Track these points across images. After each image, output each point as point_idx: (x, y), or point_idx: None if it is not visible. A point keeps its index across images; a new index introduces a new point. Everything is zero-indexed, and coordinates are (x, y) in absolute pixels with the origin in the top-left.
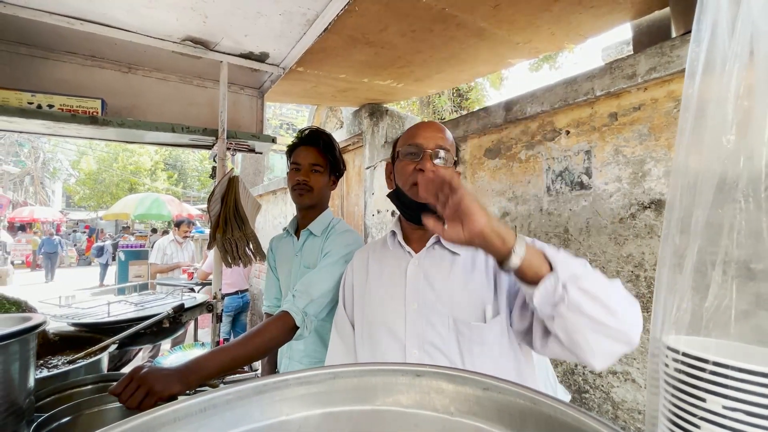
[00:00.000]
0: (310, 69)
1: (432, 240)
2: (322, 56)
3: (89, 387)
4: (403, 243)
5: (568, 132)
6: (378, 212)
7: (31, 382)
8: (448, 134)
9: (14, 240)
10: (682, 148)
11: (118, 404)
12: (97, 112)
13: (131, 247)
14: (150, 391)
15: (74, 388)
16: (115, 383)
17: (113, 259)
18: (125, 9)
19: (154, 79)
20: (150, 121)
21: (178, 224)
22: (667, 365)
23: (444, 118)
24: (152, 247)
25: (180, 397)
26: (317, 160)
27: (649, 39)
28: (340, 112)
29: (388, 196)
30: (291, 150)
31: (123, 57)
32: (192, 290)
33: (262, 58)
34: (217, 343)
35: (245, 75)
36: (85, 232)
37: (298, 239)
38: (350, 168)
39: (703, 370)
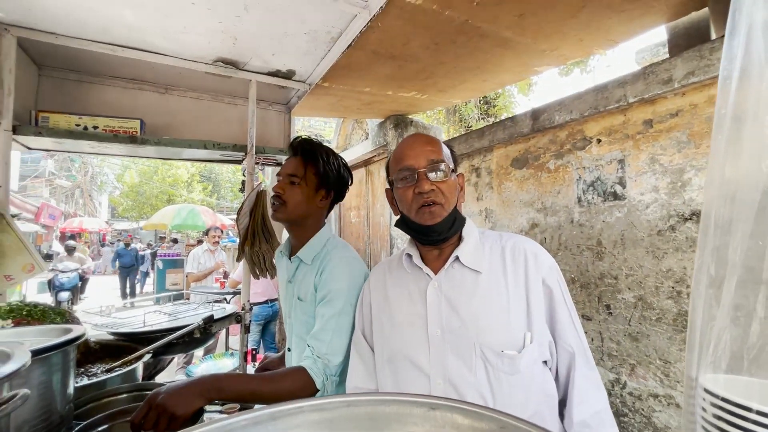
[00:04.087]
0: (335, 84)
1: (451, 258)
2: (346, 71)
3: (124, 396)
4: (420, 264)
5: (599, 140)
6: None
7: (71, 391)
8: (438, 143)
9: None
10: (717, 160)
11: None
12: (137, 132)
13: (168, 256)
14: (173, 416)
15: (110, 397)
16: (136, 410)
17: (152, 267)
18: (162, 35)
19: (188, 98)
20: (184, 138)
21: (207, 232)
22: (704, 409)
23: (471, 126)
24: (187, 256)
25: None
26: (295, 170)
27: (687, 42)
28: (365, 124)
29: (396, 225)
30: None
31: (160, 79)
32: (224, 299)
33: (288, 75)
34: (245, 353)
35: (273, 92)
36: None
37: (291, 262)
38: (376, 179)
39: (745, 419)
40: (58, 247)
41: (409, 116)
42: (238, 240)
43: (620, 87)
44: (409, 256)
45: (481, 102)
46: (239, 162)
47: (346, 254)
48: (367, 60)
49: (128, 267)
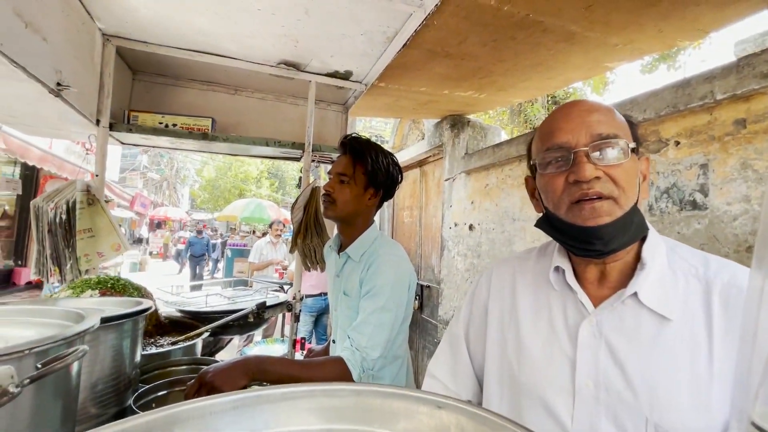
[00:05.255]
0: (391, 84)
1: (626, 292)
2: (402, 71)
3: (184, 367)
4: (575, 286)
5: (677, 142)
6: (455, 225)
7: (138, 357)
8: (610, 111)
9: (153, 235)
10: None
11: None
12: (208, 129)
13: (237, 245)
14: (220, 391)
15: (172, 367)
16: (190, 382)
17: (222, 255)
18: (233, 40)
19: (255, 99)
20: (248, 136)
21: (271, 225)
22: None
23: (536, 128)
24: (252, 247)
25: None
26: (345, 169)
27: None
28: (422, 124)
29: (537, 225)
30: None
31: (231, 81)
32: (281, 288)
33: (346, 76)
34: (294, 341)
35: (331, 92)
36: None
37: (339, 257)
38: (430, 179)
39: None
40: (146, 232)
41: (467, 116)
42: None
43: (707, 82)
44: (559, 270)
45: (549, 101)
46: (298, 159)
47: (394, 252)
48: (423, 59)
49: (198, 256)
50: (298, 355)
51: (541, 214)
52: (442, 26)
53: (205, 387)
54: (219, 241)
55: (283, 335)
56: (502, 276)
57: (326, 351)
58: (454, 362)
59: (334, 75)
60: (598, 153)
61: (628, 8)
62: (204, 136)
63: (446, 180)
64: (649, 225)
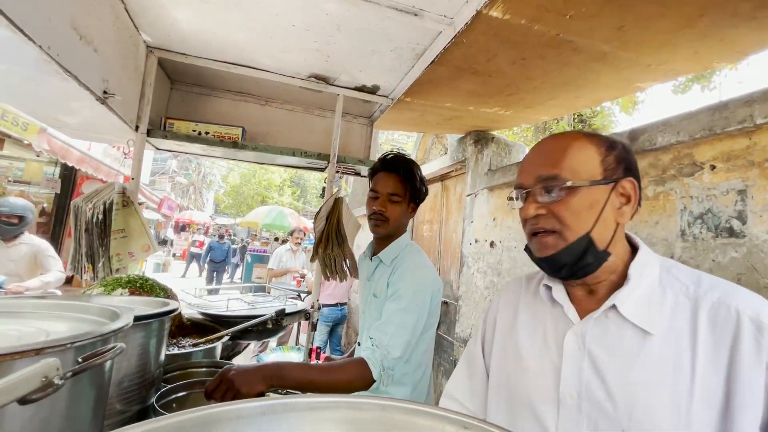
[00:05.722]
0: (416, 99)
1: (606, 305)
2: (428, 86)
3: (204, 369)
4: (562, 300)
5: (713, 167)
6: (476, 241)
7: (162, 357)
8: (564, 149)
9: (177, 237)
10: None
11: None
12: (238, 138)
13: (257, 251)
14: (237, 393)
15: (193, 368)
16: (210, 381)
17: (242, 260)
18: (266, 53)
19: (284, 110)
20: (276, 146)
21: (291, 232)
22: None
23: None
24: (272, 253)
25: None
26: (396, 189)
27: None
28: (445, 139)
29: (525, 250)
30: (372, 174)
31: (262, 92)
32: (298, 296)
33: (373, 90)
34: (311, 350)
35: (358, 105)
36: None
37: (371, 262)
38: (451, 194)
39: None
40: (171, 234)
41: (491, 132)
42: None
43: (746, 106)
44: (548, 288)
45: (575, 120)
46: (322, 170)
47: (420, 259)
48: (450, 75)
49: (218, 262)
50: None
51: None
52: (471, 44)
53: (225, 384)
54: (239, 246)
55: (297, 343)
56: (511, 293)
57: (351, 356)
58: (471, 382)
59: (361, 89)
60: (542, 192)
61: (662, 29)
62: (234, 144)
63: (468, 195)
64: (642, 244)
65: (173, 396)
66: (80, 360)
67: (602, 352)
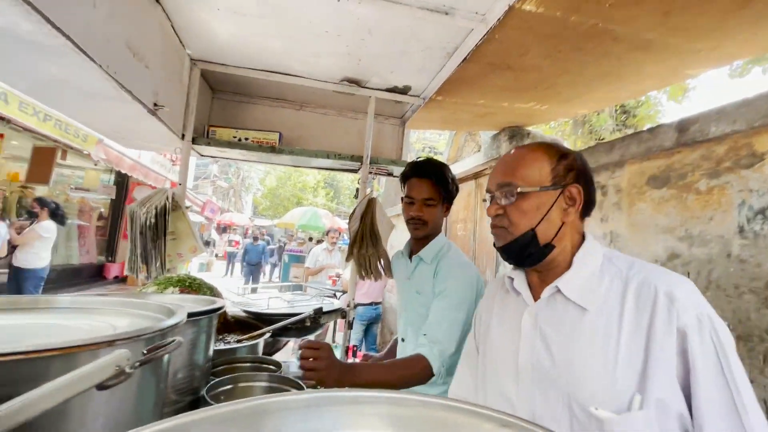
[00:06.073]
0: (448, 97)
1: (551, 287)
2: (460, 84)
3: (248, 364)
4: (520, 288)
5: None
6: None
7: (211, 351)
8: (520, 160)
9: (219, 238)
10: None
11: (266, 383)
12: (276, 143)
13: (294, 251)
14: (317, 377)
15: (237, 363)
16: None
17: (279, 260)
18: (300, 60)
19: (318, 114)
20: (311, 149)
21: (327, 232)
22: None
23: (602, 138)
24: (308, 253)
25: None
26: (430, 194)
27: None
28: (478, 136)
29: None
30: (404, 178)
31: (297, 98)
32: (334, 295)
33: (404, 90)
34: (347, 348)
35: (389, 106)
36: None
37: (411, 262)
38: (485, 193)
39: None
40: (215, 235)
41: (527, 128)
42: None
43: None
44: (511, 279)
45: (618, 111)
46: (355, 171)
47: (461, 258)
48: (482, 72)
49: (253, 265)
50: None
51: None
52: (503, 39)
53: (321, 359)
54: (276, 246)
55: (334, 341)
56: (490, 291)
57: (390, 353)
58: (473, 377)
59: (393, 90)
60: (500, 196)
61: (713, 11)
62: (272, 149)
63: None
64: (589, 237)
65: (221, 388)
66: (145, 352)
67: (550, 328)
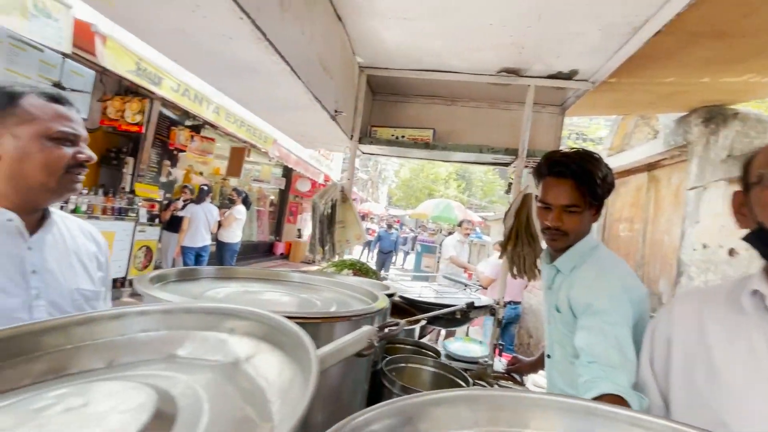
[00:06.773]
0: (625, 78)
1: None
2: (645, 61)
3: (409, 347)
4: None
5: None
6: (704, 247)
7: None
8: None
9: None
10: None
11: (432, 368)
12: (430, 139)
13: (426, 242)
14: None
15: (400, 344)
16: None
17: (412, 249)
18: (458, 56)
19: (469, 108)
20: (463, 143)
21: (460, 223)
22: None
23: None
24: (440, 244)
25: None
26: (572, 199)
27: None
28: (655, 120)
29: (745, 239)
30: (538, 176)
31: (449, 93)
32: (465, 287)
33: (570, 75)
34: (494, 346)
35: (548, 94)
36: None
37: (550, 268)
38: (663, 187)
39: None
40: None
41: (731, 107)
42: (485, 237)
43: None
44: (757, 294)
45: None
46: (506, 165)
47: (603, 262)
48: (678, 44)
49: (386, 252)
50: (497, 361)
51: (748, 230)
52: (717, 1)
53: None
54: (410, 235)
55: (467, 334)
56: (685, 309)
57: (533, 364)
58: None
59: (556, 76)
60: None
61: None
62: (426, 145)
63: (691, 189)
64: None
65: (393, 366)
66: (378, 329)
67: None
